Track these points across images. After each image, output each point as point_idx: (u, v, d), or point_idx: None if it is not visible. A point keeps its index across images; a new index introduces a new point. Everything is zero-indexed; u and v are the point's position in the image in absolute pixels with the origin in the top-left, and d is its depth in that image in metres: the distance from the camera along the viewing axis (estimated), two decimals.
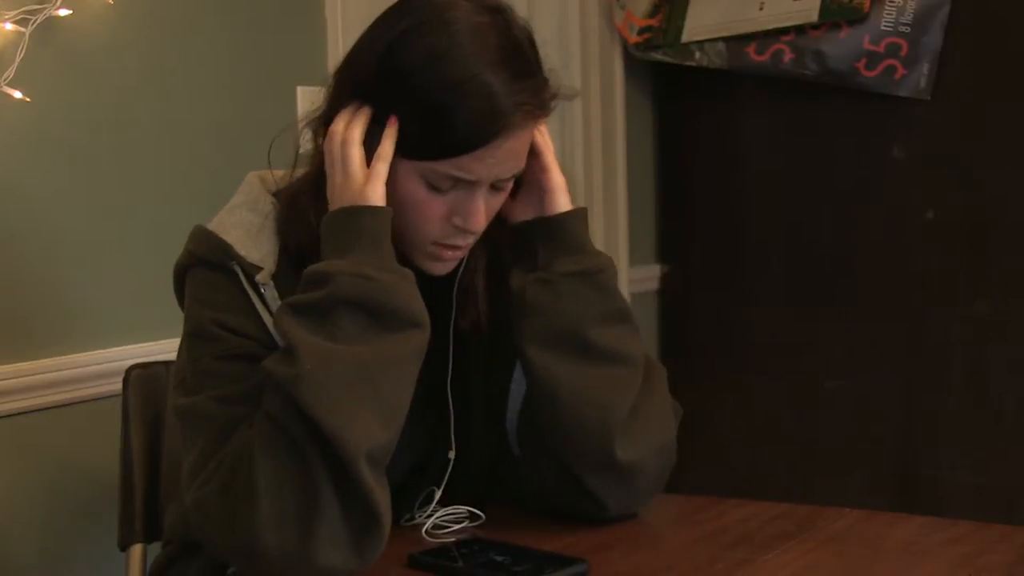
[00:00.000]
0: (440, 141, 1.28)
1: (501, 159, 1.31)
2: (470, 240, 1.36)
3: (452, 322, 1.44)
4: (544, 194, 1.44)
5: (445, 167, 1.30)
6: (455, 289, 1.43)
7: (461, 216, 1.33)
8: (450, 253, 1.36)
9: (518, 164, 1.35)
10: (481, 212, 1.33)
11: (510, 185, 1.38)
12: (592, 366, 1.39)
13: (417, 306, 1.27)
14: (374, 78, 1.31)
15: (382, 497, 1.22)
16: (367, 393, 1.21)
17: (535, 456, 1.43)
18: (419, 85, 1.28)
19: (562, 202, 1.44)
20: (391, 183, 1.31)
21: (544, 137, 1.43)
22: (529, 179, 1.44)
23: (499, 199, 1.37)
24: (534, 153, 1.42)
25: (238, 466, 1.21)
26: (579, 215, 1.45)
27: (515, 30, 1.33)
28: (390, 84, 1.30)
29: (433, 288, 1.42)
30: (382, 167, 1.29)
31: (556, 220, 1.43)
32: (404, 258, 1.34)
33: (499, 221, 1.43)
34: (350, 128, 1.31)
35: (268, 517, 1.18)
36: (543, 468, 1.42)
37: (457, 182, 1.31)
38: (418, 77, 1.28)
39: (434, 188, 1.32)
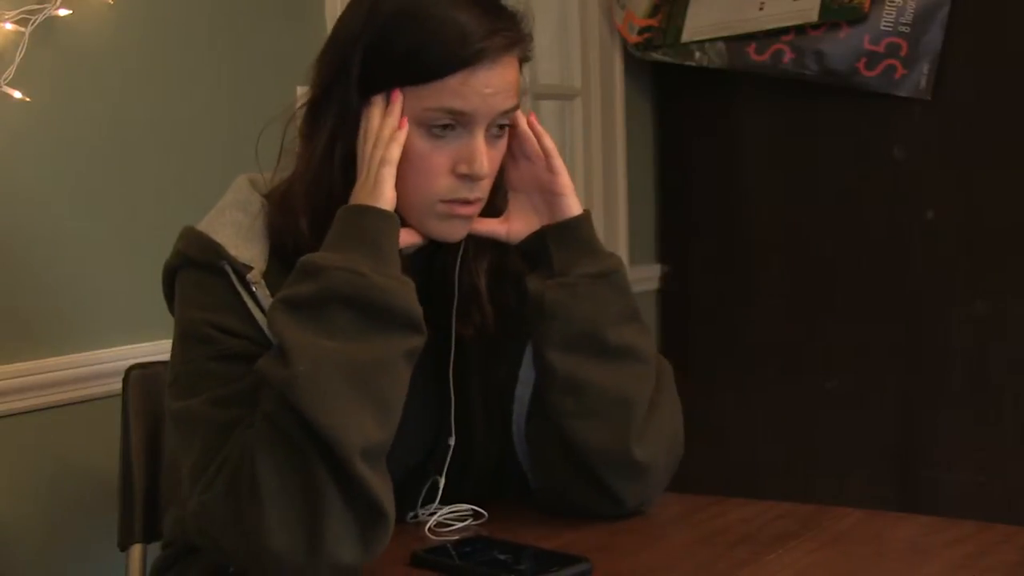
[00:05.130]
0: (424, 69, 1.31)
1: (493, 88, 1.32)
2: (477, 192, 1.36)
3: (454, 310, 1.43)
4: (555, 198, 1.44)
5: (437, 98, 1.31)
6: (456, 277, 1.43)
7: (465, 161, 1.33)
8: (460, 209, 1.36)
9: (512, 100, 1.36)
10: (483, 153, 1.33)
11: (506, 135, 1.39)
12: (612, 364, 1.40)
13: (415, 310, 1.27)
14: (356, 52, 1.34)
15: (383, 491, 1.22)
16: (361, 392, 1.22)
17: (547, 455, 1.43)
18: (398, 41, 1.31)
19: (574, 205, 1.45)
20: None
21: (549, 140, 1.45)
22: (532, 184, 1.45)
23: (499, 150, 1.38)
24: (541, 155, 1.43)
25: (240, 469, 1.21)
26: (587, 217, 1.46)
27: None
28: (373, 53, 1.33)
29: (433, 278, 1.43)
30: (389, 171, 1.31)
31: (570, 224, 1.44)
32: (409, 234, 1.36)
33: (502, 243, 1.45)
34: (382, 127, 1.33)
35: (276, 519, 1.19)
36: (557, 467, 1.42)
37: (455, 119, 1.32)
38: (396, 33, 1.32)
39: (433, 135, 1.33)
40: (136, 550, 1.67)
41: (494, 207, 1.44)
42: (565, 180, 1.44)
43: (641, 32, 2.97)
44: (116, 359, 1.89)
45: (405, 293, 1.27)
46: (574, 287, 1.41)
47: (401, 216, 1.34)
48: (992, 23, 2.70)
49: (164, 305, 1.41)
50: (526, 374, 1.45)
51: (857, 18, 2.71)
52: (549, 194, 1.44)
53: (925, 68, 2.70)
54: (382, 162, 1.31)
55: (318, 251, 1.28)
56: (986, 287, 2.74)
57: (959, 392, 2.77)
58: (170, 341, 1.36)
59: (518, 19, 1.37)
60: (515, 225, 1.45)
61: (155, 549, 1.60)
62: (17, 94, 1.79)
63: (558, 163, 1.44)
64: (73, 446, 1.90)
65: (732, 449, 2.99)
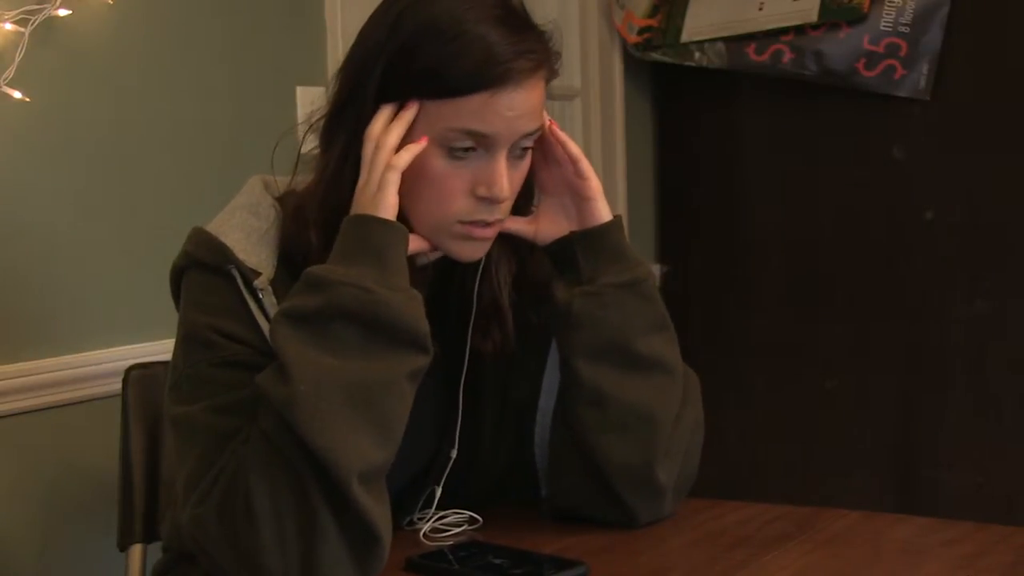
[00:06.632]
0: (445, 85, 1.28)
1: (517, 111, 1.29)
2: (497, 214, 1.33)
3: (471, 324, 1.42)
4: (584, 202, 1.42)
5: (457, 119, 1.28)
6: (476, 287, 1.41)
7: (485, 184, 1.30)
8: (479, 231, 1.33)
9: (536, 122, 1.33)
10: (504, 176, 1.30)
11: (529, 155, 1.36)
12: (638, 375, 1.39)
13: (421, 327, 1.25)
14: (378, 65, 1.31)
15: (379, 515, 1.21)
16: (361, 414, 1.20)
17: (566, 465, 1.42)
18: (421, 56, 1.28)
19: (604, 210, 1.43)
20: (411, 162, 1.30)
21: (573, 146, 1.42)
22: (563, 187, 1.43)
23: (521, 171, 1.35)
24: (568, 160, 1.41)
25: (234, 485, 1.20)
26: (618, 223, 1.44)
27: None
28: (394, 67, 1.30)
29: (452, 288, 1.41)
30: (394, 177, 1.28)
31: (599, 231, 1.42)
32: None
33: (529, 244, 1.43)
34: (387, 132, 1.29)
35: (269, 539, 1.18)
36: (574, 478, 1.41)
37: (477, 142, 1.29)
38: (419, 48, 1.28)
39: (454, 156, 1.30)
40: (136, 550, 1.67)
41: (520, 209, 1.41)
42: (594, 184, 1.42)
43: (641, 32, 2.97)
44: (116, 359, 1.89)
45: (413, 308, 1.25)
46: (601, 296, 1.39)
47: (415, 231, 1.32)
48: (992, 23, 2.70)
49: (164, 305, 1.41)
50: (549, 383, 1.44)
51: (857, 18, 2.71)
52: (578, 198, 1.42)
53: (925, 68, 2.70)
54: (388, 167, 1.28)
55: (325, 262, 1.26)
56: (986, 287, 2.74)
57: (959, 392, 2.77)
58: (170, 340, 1.35)
59: (546, 38, 1.34)
60: (544, 226, 1.43)
61: (155, 549, 1.60)
62: (17, 94, 1.79)
63: (586, 167, 1.42)
64: (73, 446, 1.90)
65: (732, 449, 2.99)
